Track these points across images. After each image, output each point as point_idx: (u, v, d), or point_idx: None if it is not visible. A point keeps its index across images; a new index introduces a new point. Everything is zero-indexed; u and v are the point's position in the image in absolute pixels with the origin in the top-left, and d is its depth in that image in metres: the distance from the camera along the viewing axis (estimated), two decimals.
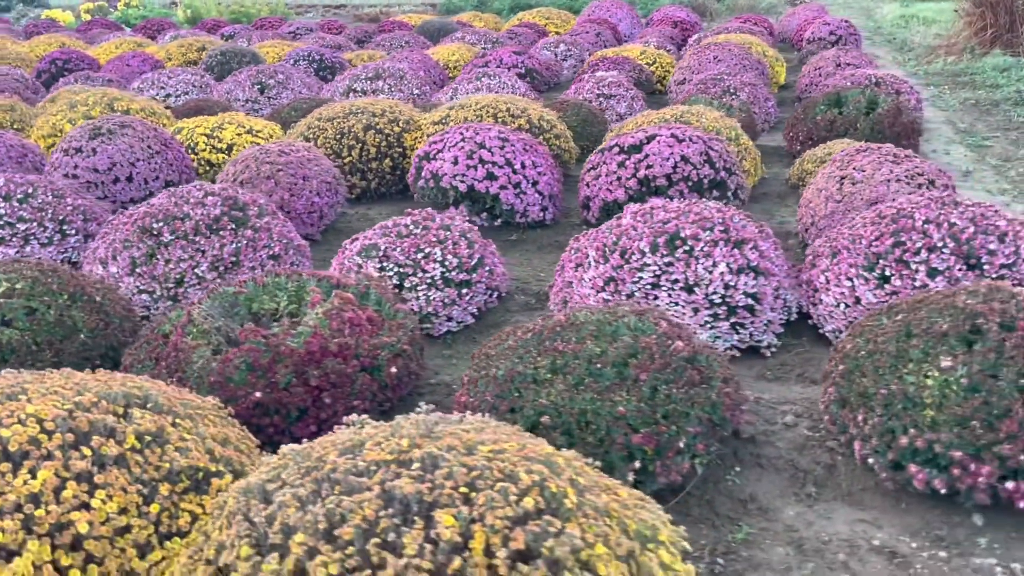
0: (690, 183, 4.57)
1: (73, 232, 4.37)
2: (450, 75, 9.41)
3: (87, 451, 1.92)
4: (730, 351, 3.37)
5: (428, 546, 1.59)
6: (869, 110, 6.03)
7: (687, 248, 3.40)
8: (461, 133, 4.87)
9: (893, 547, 2.27)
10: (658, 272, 3.37)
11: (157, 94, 8.56)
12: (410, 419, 1.99)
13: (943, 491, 2.30)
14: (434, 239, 3.78)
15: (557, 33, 13.15)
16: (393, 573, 1.54)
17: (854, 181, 4.21)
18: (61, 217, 4.36)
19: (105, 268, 3.89)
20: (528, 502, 1.71)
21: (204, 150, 6.04)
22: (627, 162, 4.64)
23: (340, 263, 3.84)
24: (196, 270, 3.80)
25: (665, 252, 3.40)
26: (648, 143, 4.67)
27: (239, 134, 6.14)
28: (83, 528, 1.79)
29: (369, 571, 1.57)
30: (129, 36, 12.70)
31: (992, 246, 3.19)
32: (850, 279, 3.33)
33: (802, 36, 11.71)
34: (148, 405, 2.15)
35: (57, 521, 1.78)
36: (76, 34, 13.60)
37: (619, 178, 4.63)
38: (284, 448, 1.99)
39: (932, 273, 3.18)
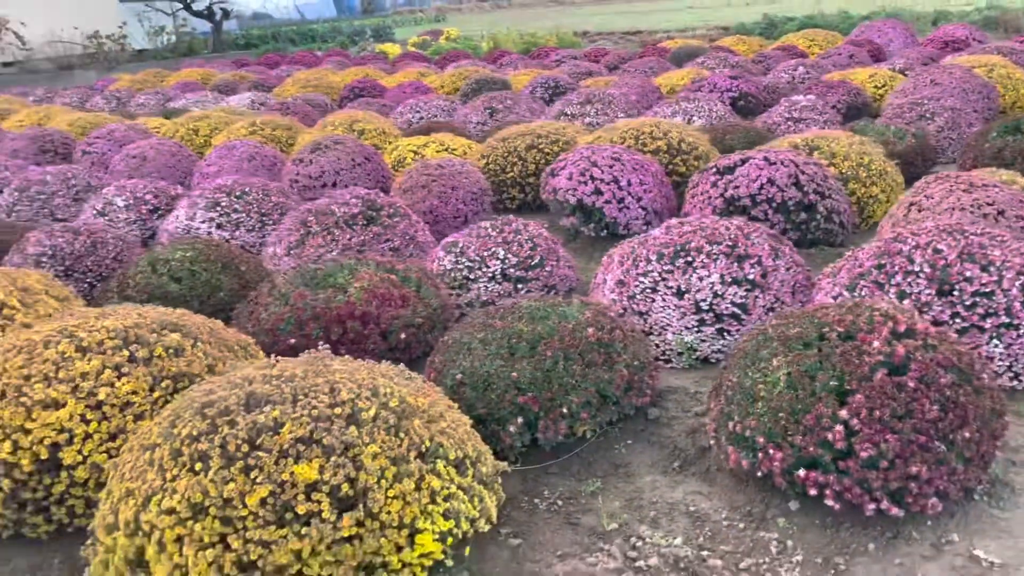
0: (774, 204, 4.79)
1: (271, 223, 5.69)
2: (668, 99, 9.88)
3: (125, 353, 2.95)
4: (716, 354, 3.69)
5: (254, 424, 2.37)
6: None
7: (688, 259, 3.78)
8: (581, 153, 5.50)
9: (705, 514, 2.61)
10: (657, 278, 3.80)
11: (412, 117, 10.07)
12: (305, 356, 2.78)
13: (759, 474, 2.59)
14: (502, 240, 4.49)
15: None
16: (220, 440, 2.34)
17: (921, 208, 4.20)
18: (263, 211, 5.70)
19: (274, 249, 5.11)
20: (337, 410, 2.42)
21: (410, 164, 7.23)
22: (719, 182, 4.97)
23: (431, 257, 4.70)
24: (330, 254, 4.86)
25: (667, 261, 3.81)
26: (741, 165, 4.96)
27: (438, 151, 7.26)
28: (103, 396, 2.81)
29: (213, 435, 2.38)
30: (419, 67, 14.69)
31: (969, 274, 3.21)
32: (834, 297, 3.50)
33: None
34: (182, 329, 3.15)
35: (91, 389, 2.82)
36: (385, 65, 15.97)
37: (709, 197, 4.97)
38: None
39: (901, 295, 3.28)
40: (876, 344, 2.54)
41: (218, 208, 5.66)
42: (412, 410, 2.56)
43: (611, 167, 5.35)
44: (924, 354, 2.53)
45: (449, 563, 2.34)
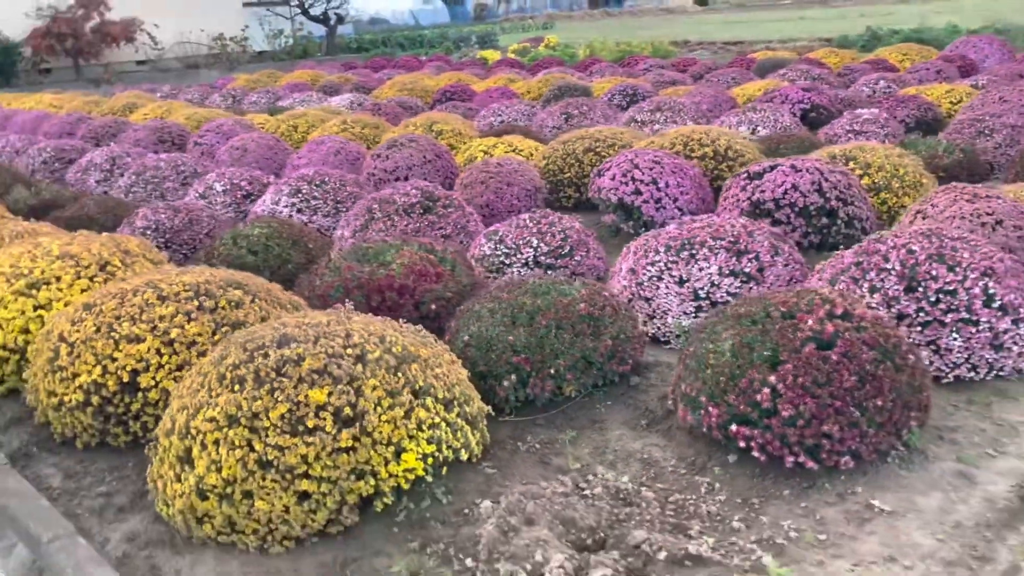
0: (796, 209, 5.11)
1: (345, 209, 6.34)
2: (739, 109, 10.13)
3: (195, 303, 3.59)
4: None
5: (282, 357, 2.94)
6: None
7: (692, 251, 4.19)
8: (625, 155, 5.93)
9: (655, 461, 3.03)
10: (662, 268, 4.21)
11: (494, 120, 10.65)
12: (331, 311, 3.34)
13: (703, 429, 3.00)
14: (537, 231, 4.98)
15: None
16: (255, 368, 2.92)
17: (926, 215, 4.47)
18: (338, 199, 6.37)
19: (342, 232, 5.75)
20: (349, 351, 2.97)
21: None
22: (748, 186, 5.32)
23: (475, 244, 5.23)
24: (387, 238, 5.45)
25: (673, 253, 4.22)
26: (770, 171, 5.29)
27: (506, 152, 7.80)
28: (174, 335, 3.45)
29: (250, 363, 2.96)
30: (511, 73, 15.30)
31: (936, 272, 3.51)
32: None
33: None
34: (243, 288, 3.78)
35: (165, 329, 3.47)
36: (481, 71, 16.67)
37: (738, 200, 5.33)
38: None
39: (873, 290, 3.61)
40: (810, 323, 2.92)
41: (299, 195, 6.36)
42: (413, 357, 3.09)
43: (651, 169, 5.76)
44: (853, 334, 2.89)
45: (429, 479, 2.86)
